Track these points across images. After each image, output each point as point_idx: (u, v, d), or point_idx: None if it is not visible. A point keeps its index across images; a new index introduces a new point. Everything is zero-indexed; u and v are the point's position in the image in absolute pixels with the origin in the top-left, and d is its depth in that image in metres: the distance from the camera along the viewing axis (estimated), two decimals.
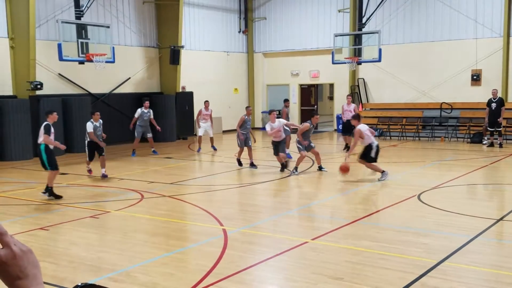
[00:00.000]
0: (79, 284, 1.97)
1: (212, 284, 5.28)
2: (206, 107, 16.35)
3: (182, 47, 19.97)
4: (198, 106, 20.91)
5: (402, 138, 19.62)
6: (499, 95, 17.31)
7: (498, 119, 16.36)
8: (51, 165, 9.42)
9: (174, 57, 19.41)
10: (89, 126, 11.59)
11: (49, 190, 9.50)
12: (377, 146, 11.07)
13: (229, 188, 10.68)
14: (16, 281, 1.10)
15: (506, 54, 18.86)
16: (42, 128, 9.51)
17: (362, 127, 10.98)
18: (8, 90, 15.38)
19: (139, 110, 15.44)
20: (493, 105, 16.52)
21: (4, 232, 1.10)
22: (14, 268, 1.09)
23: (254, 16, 24.25)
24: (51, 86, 16.21)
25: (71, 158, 15.22)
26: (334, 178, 11.81)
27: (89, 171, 11.96)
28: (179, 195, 9.93)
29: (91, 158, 11.81)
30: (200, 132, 16.36)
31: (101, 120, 11.97)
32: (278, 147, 12.22)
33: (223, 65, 23.14)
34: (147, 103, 15.55)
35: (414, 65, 20.56)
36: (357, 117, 11.34)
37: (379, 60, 18.63)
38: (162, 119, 19.05)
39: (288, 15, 23.35)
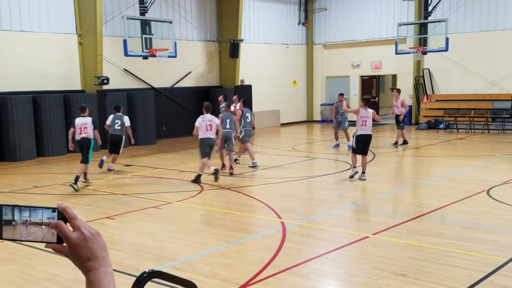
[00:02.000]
0: (147, 270, 2.01)
1: (270, 276, 5.27)
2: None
3: (242, 40, 20.07)
4: (256, 99, 21.03)
5: (470, 130, 18.76)
6: None
7: None
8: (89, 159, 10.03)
9: (234, 50, 19.55)
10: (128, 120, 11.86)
11: (77, 180, 9.82)
12: (359, 137, 10.25)
13: (287, 181, 10.64)
14: (87, 263, 1.15)
15: None
16: (91, 123, 9.99)
17: (363, 111, 10.26)
18: (77, 85, 16.11)
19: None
20: None
21: (74, 216, 1.15)
22: (84, 250, 1.15)
23: (315, 7, 23.94)
24: (117, 81, 16.81)
25: (135, 150, 15.74)
26: (396, 172, 11.49)
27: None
28: (238, 188, 10.00)
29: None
30: None
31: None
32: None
33: (282, 58, 23.05)
34: (221, 98, 14.72)
35: (483, 54, 19.54)
36: (365, 100, 10.50)
37: (446, 50, 17.88)
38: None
39: (350, 5, 22.87)
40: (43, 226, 1.14)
